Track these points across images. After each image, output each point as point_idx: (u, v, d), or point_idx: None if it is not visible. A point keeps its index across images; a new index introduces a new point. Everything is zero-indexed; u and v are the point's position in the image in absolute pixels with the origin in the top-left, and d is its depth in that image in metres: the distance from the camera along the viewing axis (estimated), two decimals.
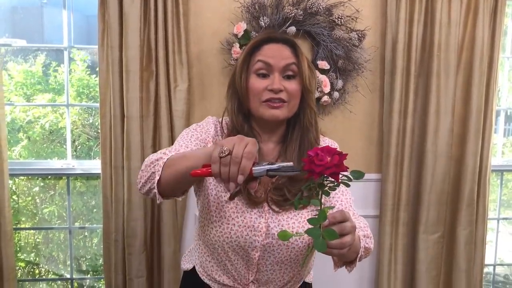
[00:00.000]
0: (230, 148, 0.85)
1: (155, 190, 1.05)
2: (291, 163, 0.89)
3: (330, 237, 0.84)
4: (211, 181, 1.21)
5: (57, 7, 2.26)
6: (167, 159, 1.04)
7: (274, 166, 0.88)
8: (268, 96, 1.16)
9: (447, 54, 2.19)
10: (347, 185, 0.86)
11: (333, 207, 0.91)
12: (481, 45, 2.20)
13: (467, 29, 2.22)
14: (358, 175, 0.87)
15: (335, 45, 2.12)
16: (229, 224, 1.18)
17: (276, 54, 1.18)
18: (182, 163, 1.00)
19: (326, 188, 0.86)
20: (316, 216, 0.86)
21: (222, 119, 1.28)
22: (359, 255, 1.12)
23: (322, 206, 0.88)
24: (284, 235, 0.92)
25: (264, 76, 1.18)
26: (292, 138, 1.23)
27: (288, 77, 1.18)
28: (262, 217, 1.18)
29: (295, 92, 1.18)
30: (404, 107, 2.22)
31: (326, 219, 0.87)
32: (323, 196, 0.87)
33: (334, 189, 0.86)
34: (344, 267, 1.16)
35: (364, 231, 1.19)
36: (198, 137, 1.21)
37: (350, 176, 0.86)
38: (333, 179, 0.82)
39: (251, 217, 1.18)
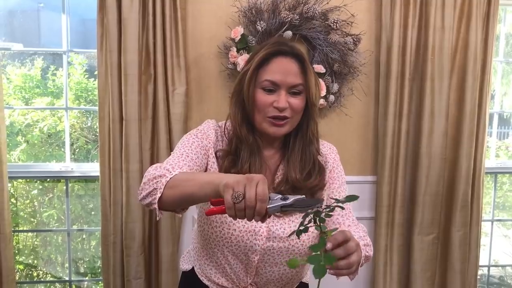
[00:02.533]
0: (242, 192, 0.86)
1: (156, 206, 1.05)
2: (303, 196, 0.91)
3: (329, 261, 0.87)
4: None
5: (54, 11, 2.28)
6: (171, 178, 1.04)
7: (288, 202, 0.89)
8: (274, 113, 1.17)
9: (441, 58, 2.22)
10: (342, 208, 0.92)
11: (336, 229, 0.93)
12: (474, 49, 2.23)
13: (460, 34, 2.26)
14: (352, 198, 0.92)
15: (330, 49, 2.15)
16: (229, 229, 1.19)
17: (284, 70, 1.18)
18: (186, 188, 1.00)
19: (322, 215, 0.88)
20: (317, 242, 0.90)
21: (225, 123, 1.29)
22: (361, 263, 1.13)
23: (325, 230, 0.91)
24: (293, 263, 0.93)
25: (270, 91, 1.18)
26: (294, 148, 1.25)
27: (294, 93, 1.19)
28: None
29: (299, 109, 1.20)
30: (399, 110, 2.25)
31: (325, 246, 0.89)
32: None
33: (330, 216, 0.91)
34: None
35: (364, 240, 1.21)
36: (199, 144, 1.21)
37: (344, 199, 0.91)
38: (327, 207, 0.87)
39: (252, 222, 1.19)
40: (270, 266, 1.23)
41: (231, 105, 1.25)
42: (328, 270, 0.90)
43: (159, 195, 1.03)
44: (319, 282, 0.92)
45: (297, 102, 1.19)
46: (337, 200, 0.89)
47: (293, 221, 1.21)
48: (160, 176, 1.05)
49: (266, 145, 1.27)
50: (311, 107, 1.22)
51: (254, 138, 1.23)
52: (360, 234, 1.22)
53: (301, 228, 0.90)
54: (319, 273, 0.85)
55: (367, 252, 1.19)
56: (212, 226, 1.21)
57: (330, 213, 0.89)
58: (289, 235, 1.10)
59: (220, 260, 1.24)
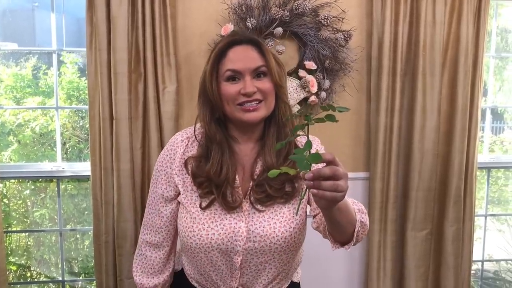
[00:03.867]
0: None
1: None
2: None
3: (314, 159, 0.86)
4: (186, 194, 1.23)
5: (49, 10, 2.27)
6: None
7: None
8: (243, 99, 1.16)
9: (433, 53, 2.22)
10: (333, 119, 0.89)
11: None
12: (465, 44, 2.23)
13: (451, 29, 2.25)
14: (335, 108, 0.92)
15: (321, 45, 2.15)
16: (208, 234, 1.18)
17: (242, 57, 1.17)
18: None
19: (312, 120, 0.89)
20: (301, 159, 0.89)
21: (195, 127, 1.27)
22: (356, 229, 1.12)
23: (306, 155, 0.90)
24: (273, 173, 0.93)
25: (234, 79, 1.17)
26: (268, 134, 1.23)
27: (259, 75, 1.18)
28: (242, 221, 1.19)
29: (268, 90, 1.18)
30: (390, 106, 2.24)
31: (311, 147, 0.89)
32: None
33: (323, 121, 0.90)
34: (339, 246, 1.16)
35: (358, 206, 1.19)
36: (164, 192, 1.27)
37: (335, 108, 0.91)
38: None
39: (230, 223, 1.18)
40: (255, 266, 1.22)
41: (199, 106, 1.24)
42: (312, 189, 0.89)
43: None
44: (298, 206, 0.95)
45: (264, 84, 1.17)
46: (328, 107, 0.90)
47: (272, 218, 1.19)
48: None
49: (244, 140, 1.25)
50: (279, 89, 1.20)
51: (224, 136, 1.22)
52: (355, 201, 1.20)
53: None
54: (304, 167, 0.86)
55: (362, 218, 1.16)
56: (192, 236, 1.19)
57: (321, 120, 0.90)
58: (269, 203, 1.20)
59: (204, 266, 1.23)
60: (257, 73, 1.18)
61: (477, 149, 2.36)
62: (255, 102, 1.16)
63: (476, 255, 2.65)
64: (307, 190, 0.91)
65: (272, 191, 1.19)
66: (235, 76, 1.17)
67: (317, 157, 0.86)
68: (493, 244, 3.01)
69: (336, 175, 0.89)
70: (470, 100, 2.29)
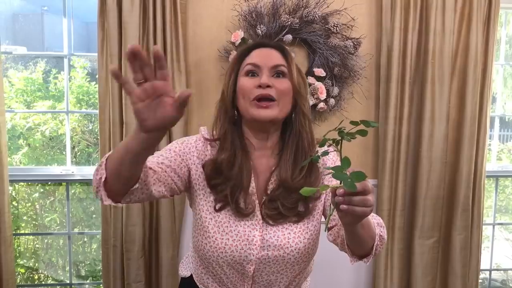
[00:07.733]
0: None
1: (102, 190, 1.02)
2: None
3: (358, 178, 0.82)
4: (201, 197, 1.22)
5: (58, 15, 2.29)
6: (107, 159, 1.00)
7: None
8: (257, 93, 1.15)
9: (442, 62, 2.22)
10: (364, 134, 0.87)
11: (334, 186, 0.87)
12: (474, 53, 2.23)
13: (461, 37, 2.26)
14: (369, 123, 0.89)
15: (331, 52, 2.16)
16: (223, 239, 1.17)
17: (264, 55, 1.19)
18: (120, 148, 0.97)
19: (346, 136, 0.87)
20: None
21: (213, 130, 1.25)
22: (375, 243, 1.09)
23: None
24: (307, 191, 0.89)
25: (253, 75, 1.18)
26: (287, 146, 1.22)
27: (278, 75, 1.18)
28: (257, 230, 1.18)
29: (285, 90, 1.17)
30: (399, 114, 2.24)
31: (350, 166, 0.85)
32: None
33: (354, 137, 0.87)
34: (358, 259, 1.13)
35: (376, 219, 1.17)
36: (177, 150, 1.19)
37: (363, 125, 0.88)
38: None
39: (245, 230, 1.18)
40: (266, 275, 1.21)
41: (217, 108, 1.24)
42: (342, 205, 0.85)
43: (103, 177, 1.00)
44: (327, 221, 0.90)
45: (281, 83, 1.17)
46: (360, 122, 0.87)
47: (286, 229, 1.19)
48: (99, 165, 1.02)
49: (258, 145, 1.23)
50: (299, 98, 1.20)
51: (240, 140, 1.21)
52: (373, 215, 1.17)
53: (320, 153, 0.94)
54: (351, 186, 0.81)
55: (381, 232, 1.13)
56: (206, 237, 1.19)
57: (354, 135, 0.87)
58: (280, 220, 1.15)
59: (216, 270, 1.23)
60: (276, 72, 1.18)
61: (486, 157, 2.36)
62: (268, 99, 1.16)
63: (484, 264, 2.64)
64: (336, 206, 0.88)
65: (284, 210, 1.18)
66: (254, 71, 1.18)
67: (361, 176, 0.82)
68: (501, 253, 3.00)
69: (366, 190, 0.87)
70: (479, 108, 2.29)
